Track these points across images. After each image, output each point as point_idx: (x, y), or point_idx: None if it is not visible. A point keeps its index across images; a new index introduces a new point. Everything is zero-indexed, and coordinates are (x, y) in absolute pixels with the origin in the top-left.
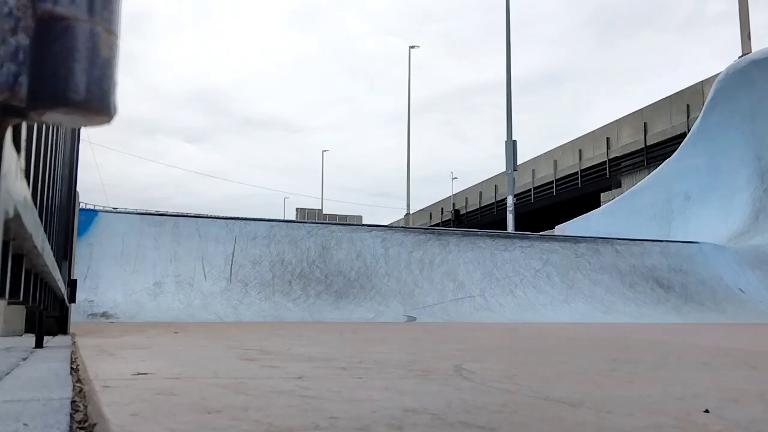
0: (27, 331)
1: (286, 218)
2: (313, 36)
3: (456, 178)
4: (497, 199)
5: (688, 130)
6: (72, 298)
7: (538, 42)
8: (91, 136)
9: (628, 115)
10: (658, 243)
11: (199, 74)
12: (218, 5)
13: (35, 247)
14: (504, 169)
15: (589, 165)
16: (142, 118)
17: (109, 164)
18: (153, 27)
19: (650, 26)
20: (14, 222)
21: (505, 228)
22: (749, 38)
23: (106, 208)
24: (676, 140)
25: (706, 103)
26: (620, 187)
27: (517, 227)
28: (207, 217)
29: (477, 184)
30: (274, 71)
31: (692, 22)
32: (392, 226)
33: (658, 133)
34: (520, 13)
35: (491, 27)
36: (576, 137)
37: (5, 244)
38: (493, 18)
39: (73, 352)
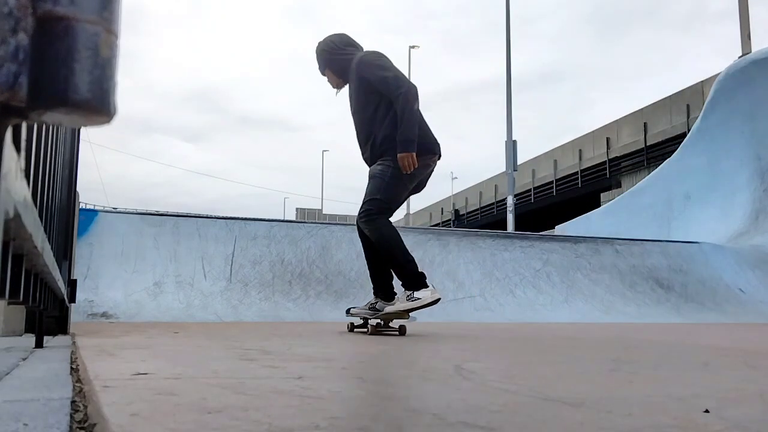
0: (27, 331)
1: (286, 218)
2: (310, 32)
3: (456, 178)
4: (497, 199)
5: (688, 130)
6: (72, 298)
7: (538, 39)
8: (88, 135)
9: (628, 115)
10: (658, 243)
11: (195, 72)
12: (215, 2)
13: (35, 247)
14: (504, 169)
15: (589, 165)
16: (138, 116)
17: (107, 163)
18: (149, 25)
19: (651, 23)
20: (14, 222)
21: (505, 228)
22: (749, 38)
23: (106, 208)
24: (676, 140)
25: (706, 103)
26: (620, 187)
27: (517, 227)
28: (207, 217)
29: (477, 184)
30: (270, 69)
31: (693, 20)
32: None
33: (658, 133)
34: (520, 10)
35: (490, 24)
36: (576, 137)
37: (5, 244)
38: (492, 15)
39: (73, 352)
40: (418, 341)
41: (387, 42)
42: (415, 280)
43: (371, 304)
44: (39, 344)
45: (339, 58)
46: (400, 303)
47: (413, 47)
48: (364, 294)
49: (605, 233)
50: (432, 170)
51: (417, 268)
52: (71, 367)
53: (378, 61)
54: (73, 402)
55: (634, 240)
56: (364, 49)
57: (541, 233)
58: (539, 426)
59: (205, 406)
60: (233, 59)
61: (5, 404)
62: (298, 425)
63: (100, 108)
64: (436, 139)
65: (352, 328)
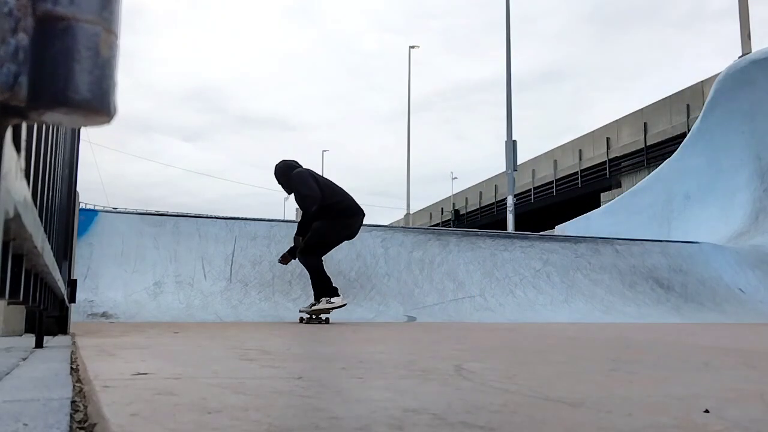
0: (27, 331)
1: (286, 218)
2: (310, 32)
3: (456, 178)
4: (497, 199)
5: (688, 130)
6: (72, 298)
7: (538, 38)
8: (88, 135)
9: (628, 115)
10: (658, 243)
11: (194, 71)
12: (214, 2)
13: (35, 247)
14: (504, 169)
15: (589, 165)
16: (137, 116)
17: (106, 163)
18: (147, 23)
19: (651, 23)
20: (14, 222)
21: (505, 228)
22: (749, 38)
23: (106, 208)
24: (676, 140)
25: (706, 103)
26: (620, 187)
27: (517, 227)
28: (207, 217)
29: (477, 184)
30: (269, 68)
31: (693, 19)
32: (392, 226)
33: (658, 133)
34: (519, 9)
35: (490, 23)
36: (576, 137)
37: (5, 244)
38: (491, 13)
39: (73, 352)
40: (419, 341)
41: (387, 42)
42: (331, 292)
43: (311, 305)
44: (39, 344)
45: (285, 178)
46: (322, 304)
47: (413, 47)
48: (364, 294)
49: (605, 233)
50: (360, 224)
51: (332, 284)
52: (71, 367)
53: (299, 179)
54: (73, 402)
55: (634, 240)
56: (302, 166)
57: (541, 233)
58: (539, 426)
59: (205, 406)
60: (232, 58)
61: (5, 404)
62: (298, 425)
63: (100, 108)
64: (357, 204)
65: (301, 320)
